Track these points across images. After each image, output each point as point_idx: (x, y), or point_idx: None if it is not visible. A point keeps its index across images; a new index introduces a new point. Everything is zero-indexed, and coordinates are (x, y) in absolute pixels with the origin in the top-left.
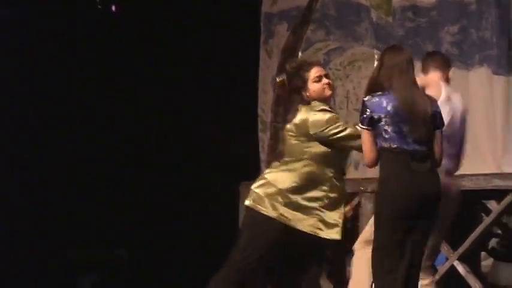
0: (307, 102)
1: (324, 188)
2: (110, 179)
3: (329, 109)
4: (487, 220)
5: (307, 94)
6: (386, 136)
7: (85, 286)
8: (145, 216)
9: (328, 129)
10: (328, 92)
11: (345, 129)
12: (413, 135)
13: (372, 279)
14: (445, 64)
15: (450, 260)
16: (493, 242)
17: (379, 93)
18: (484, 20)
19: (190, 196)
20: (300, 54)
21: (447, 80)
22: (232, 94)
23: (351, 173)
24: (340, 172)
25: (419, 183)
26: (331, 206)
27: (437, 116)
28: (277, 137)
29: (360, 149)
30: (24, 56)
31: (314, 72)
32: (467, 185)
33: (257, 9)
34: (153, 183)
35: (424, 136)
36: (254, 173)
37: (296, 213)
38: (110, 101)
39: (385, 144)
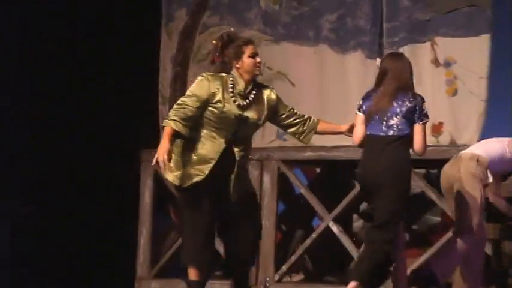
0: (226, 71)
1: None
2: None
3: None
4: (358, 186)
5: (238, 66)
6: (367, 123)
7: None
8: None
9: None
10: (257, 71)
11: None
12: (386, 123)
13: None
14: None
15: (326, 221)
16: (363, 206)
17: (374, 88)
18: (359, 10)
19: (94, 167)
20: (197, 36)
21: None
22: (136, 71)
23: None
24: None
25: (373, 159)
26: None
27: (415, 110)
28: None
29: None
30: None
31: (251, 48)
32: (341, 155)
33: None
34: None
35: (395, 124)
36: (154, 142)
37: None
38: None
39: (366, 131)
